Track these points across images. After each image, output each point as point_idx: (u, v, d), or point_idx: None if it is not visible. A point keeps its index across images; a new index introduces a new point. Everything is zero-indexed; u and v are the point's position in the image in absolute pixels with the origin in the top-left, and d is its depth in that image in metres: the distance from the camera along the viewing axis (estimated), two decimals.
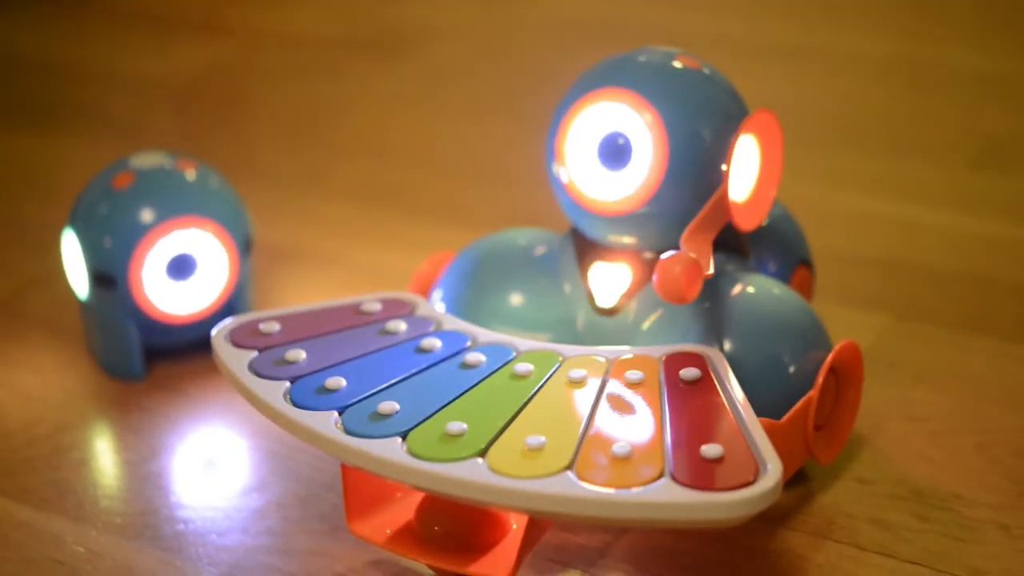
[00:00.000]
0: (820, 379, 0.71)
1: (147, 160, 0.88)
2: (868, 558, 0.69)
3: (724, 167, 0.71)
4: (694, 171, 0.72)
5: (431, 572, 0.69)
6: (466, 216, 1.09)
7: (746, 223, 0.73)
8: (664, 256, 0.67)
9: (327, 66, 1.44)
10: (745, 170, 0.74)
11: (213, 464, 0.80)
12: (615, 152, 0.73)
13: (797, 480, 0.74)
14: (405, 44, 1.50)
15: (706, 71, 0.74)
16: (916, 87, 1.32)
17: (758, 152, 0.74)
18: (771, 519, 0.72)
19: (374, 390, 0.68)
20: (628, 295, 0.75)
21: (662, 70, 0.74)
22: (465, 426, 0.64)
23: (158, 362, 0.88)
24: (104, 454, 0.82)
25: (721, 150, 0.72)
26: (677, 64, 0.74)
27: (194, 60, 1.46)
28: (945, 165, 1.14)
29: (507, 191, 1.13)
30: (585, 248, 0.76)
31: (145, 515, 0.75)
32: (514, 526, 0.66)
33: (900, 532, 0.71)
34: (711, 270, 0.69)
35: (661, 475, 0.60)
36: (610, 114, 0.73)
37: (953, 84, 1.32)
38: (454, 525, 0.66)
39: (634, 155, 0.72)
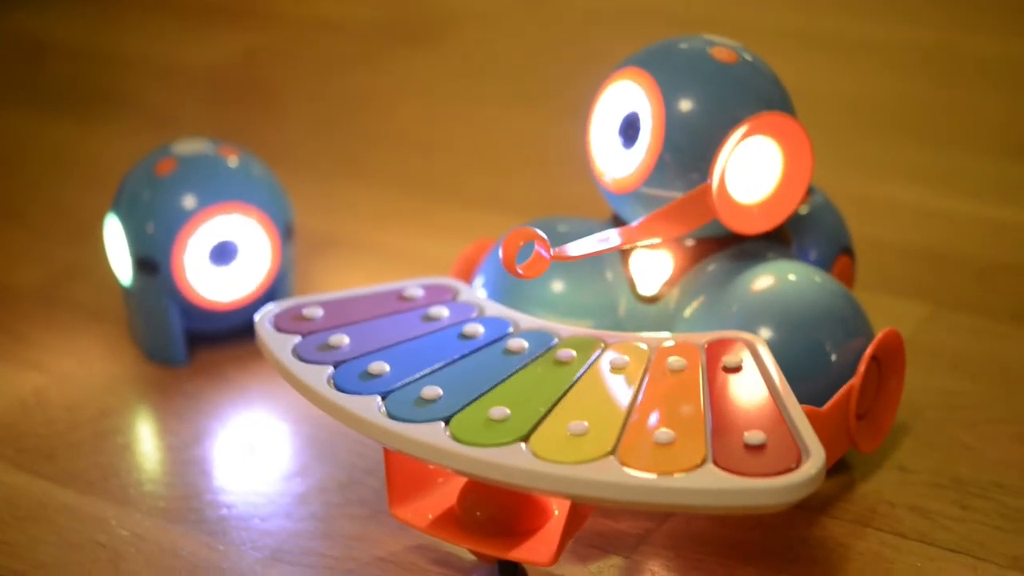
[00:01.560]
0: (862, 367, 0.71)
1: (189, 146, 0.88)
2: (909, 546, 0.69)
3: (714, 161, 0.71)
4: (686, 158, 0.72)
5: (473, 557, 0.69)
6: (505, 203, 1.09)
7: (746, 227, 0.73)
8: (512, 229, 0.68)
9: (363, 54, 1.44)
10: (758, 172, 0.73)
11: (255, 449, 0.80)
12: (630, 131, 0.74)
13: (838, 468, 0.74)
14: (442, 32, 1.50)
15: (738, 64, 0.74)
16: (959, 77, 1.31)
17: (780, 157, 0.73)
18: (812, 507, 0.72)
19: (417, 375, 0.68)
20: (669, 282, 0.75)
21: (684, 56, 0.74)
22: (508, 411, 0.64)
23: (200, 347, 0.89)
24: (147, 439, 0.83)
25: (720, 138, 0.72)
26: (707, 52, 0.74)
27: (231, 48, 1.47)
28: (987, 155, 1.14)
29: (545, 179, 1.13)
30: None
31: (188, 499, 0.75)
32: (556, 512, 0.67)
33: (941, 520, 0.71)
34: (580, 253, 0.70)
35: (704, 461, 0.60)
36: (627, 93, 0.74)
37: (994, 74, 1.31)
38: (496, 510, 0.66)
39: (641, 134, 0.73)
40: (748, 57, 0.75)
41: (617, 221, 0.77)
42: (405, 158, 1.19)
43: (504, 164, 1.17)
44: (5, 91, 1.39)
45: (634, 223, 0.73)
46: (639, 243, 0.73)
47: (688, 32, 0.77)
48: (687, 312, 0.73)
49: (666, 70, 0.73)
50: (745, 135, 0.71)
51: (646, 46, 0.76)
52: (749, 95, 0.73)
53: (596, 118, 0.75)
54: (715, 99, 0.73)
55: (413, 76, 1.38)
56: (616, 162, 0.74)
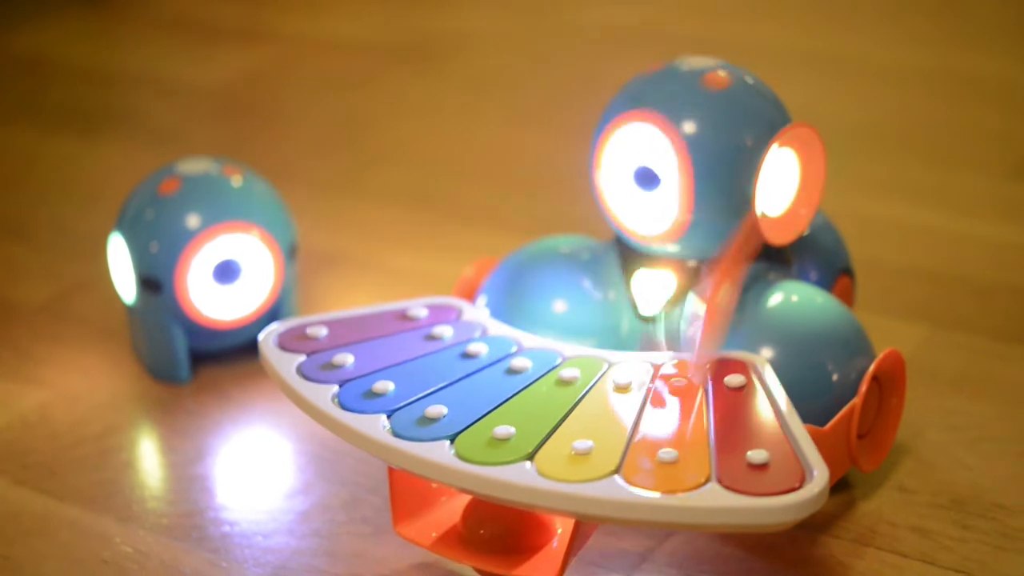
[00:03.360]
0: (864, 387, 0.71)
1: (193, 166, 0.88)
2: (910, 566, 0.70)
3: (752, 191, 0.72)
4: (723, 197, 0.73)
5: (476, 575, 0.69)
6: (507, 223, 1.09)
7: (779, 237, 0.73)
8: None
9: (366, 74, 1.44)
10: (782, 183, 0.74)
11: (258, 467, 0.80)
12: (647, 177, 0.74)
13: (839, 488, 0.75)
14: (443, 52, 1.51)
15: (744, 82, 0.74)
16: (957, 97, 1.32)
17: (797, 165, 0.74)
18: (813, 526, 0.72)
19: (422, 394, 0.68)
20: (671, 302, 0.75)
21: (688, 91, 0.74)
22: (513, 430, 0.65)
23: (203, 366, 0.89)
24: (150, 456, 0.83)
25: (752, 169, 0.72)
26: (705, 83, 0.74)
27: (234, 68, 1.47)
28: (986, 175, 1.14)
29: (547, 198, 1.13)
30: (628, 255, 0.77)
31: (192, 516, 0.75)
32: (559, 530, 0.67)
33: (941, 540, 0.71)
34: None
35: (707, 480, 0.61)
36: (639, 140, 0.74)
37: (994, 94, 1.32)
38: (500, 528, 0.66)
39: (663, 181, 0.73)
40: (748, 78, 0.75)
41: (620, 242, 0.77)
42: (408, 177, 1.20)
43: (506, 183, 1.18)
44: (9, 109, 1.39)
45: (709, 287, 0.72)
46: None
47: (683, 52, 0.77)
48: (690, 332, 0.73)
49: (677, 108, 0.73)
50: (777, 148, 0.72)
51: (631, 85, 0.75)
52: (763, 111, 0.74)
53: (605, 169, 0.75)
54: (735, 126, 0.73)
55: (415, 95, 1.38)
56: (638, 213, 0.74)
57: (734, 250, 0.71)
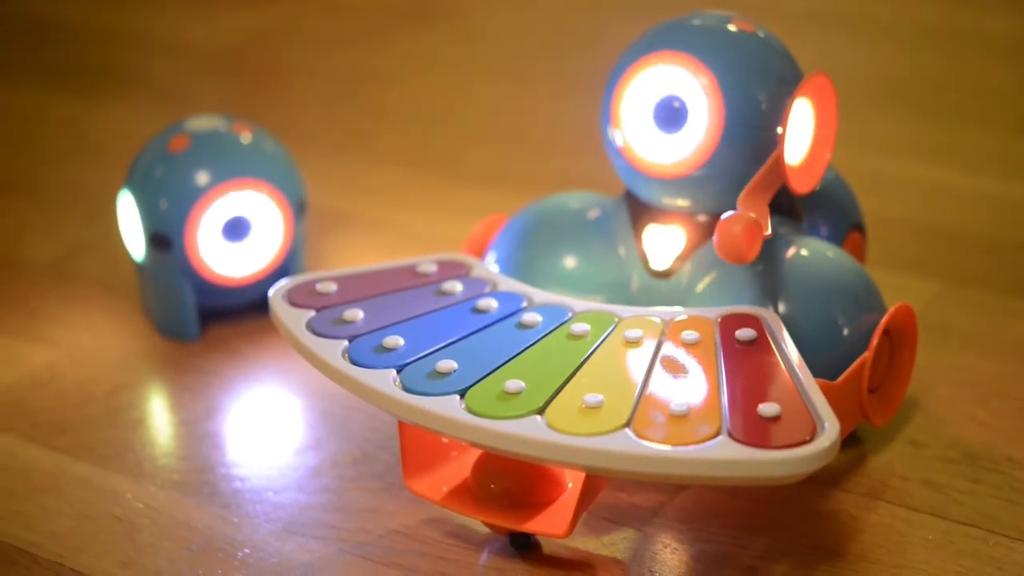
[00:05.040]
0: (875, 341, 0.71)
1: (203, 123, 0.88)
2: (920, 519, 0.70)
3: (780, 130, 0.72)
4: (750, 134, 0.72)
5: (486, 530, 0.69)
6: (515, 181, 1.09)
7: (801, 186, 0.73)
8: (724, 216, 0.67)
9: (372, 33, 1.44)
10: (800, 133, 0.74)
11: (268, 423, 0.80)
12: (671, 115, 0.73)
13: (850, 442, 0.75)
14: (449, 9, 1.50)
15: (761, 34, 0.74)
16: (965, 54, 1.31)
17: (813, 115, 0.74)
18: (824, 480, 0.72)
19: (432, 349, 0.68)
20: (682, 257, 0.75)
21: (718, 33, 0.74)
22: (523, 384, 0.65)
23: (213, 323, 0.89)
24: (161, 413, 0.83)
25: (776, 113, 0.72)
26: (732, 27, 0.74)
27: (239, 27, 1.47)
28: (997, 132, 1.14)
29: (555, 156, 1.13)
30: (639, 211, 0.77)
31: (202, 472, 0.75)
32: (570, 484, 0.67)
33: (952, 494, 0.71)
34: (769, 230, 0.69)
35: (718, 433, 0.61)
36: (666, 77, 0.73)
37: (1002, 51, 1.32)
38: (510, 483, 0.66)
39: (690, 118, 0.73)
40: (760, 30, 0.75)
41: (630, 197, 0.77)
42: (414, 134, 1.20)
43: (514, 141, 1.18)
44: (15, 69, 1.39)
45: (740, 203, 0.70)
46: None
47: (689, 10, 0.77)
48: (700, 287, 0.73)
49: (709, 48, 0.73)
50: (799, 98, 0.72)
51: (662, 27, 0.75)
52: (783, 59, 0.74)
53: (625, 103, 0.75)
54: (764, 70, 0.73)
55: (421, 53, 1.38)
56: (657, 147, 0.74)
57: (760, 176, 0.71)
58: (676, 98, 0.73)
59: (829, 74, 0.74)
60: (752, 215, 0.67)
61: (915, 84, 1.26)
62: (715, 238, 0.67)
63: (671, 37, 0.74)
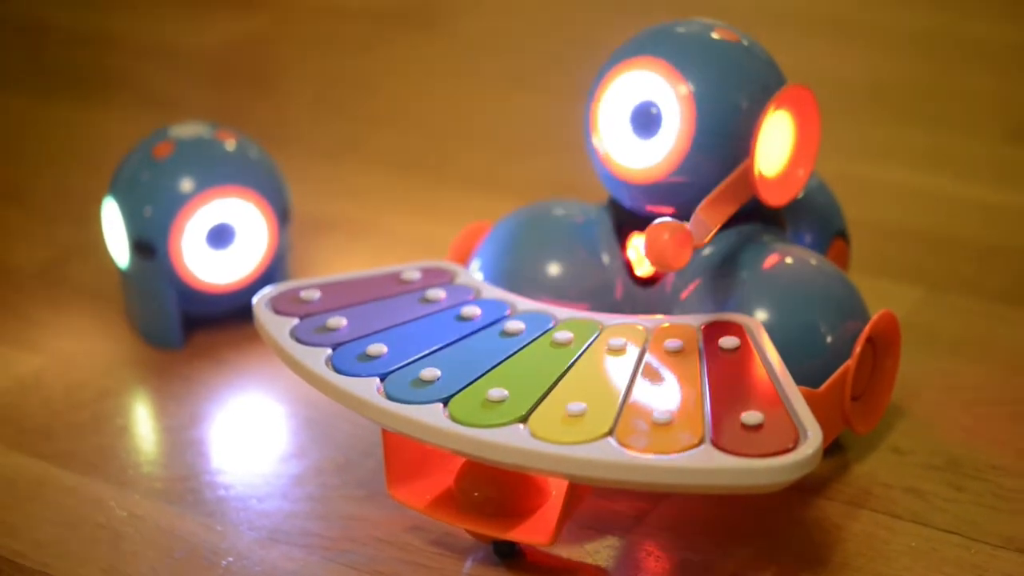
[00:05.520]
0: (857, 349, 0.71)
1: (187, 130, 0.88)
2: (903, 527, 0.70)
3: (752, 140, 0.72)
4: (722, 142, 0.72)
5: (470, 538, 0.69)
6: (502, 187, 1.09)
7: (774, 198, 0.73)
8: (655, 222, 0.67)
9: (362, 38, 1.44)
10: (777, 145, 0.74)
11: (252, 431, 0.80)
12: (647, 121, 0.73)
13: (833, 450, 0.75)
14: (440, 15, 1.50)
15: (743, 43, 0.74)
16: (954, 60, 1.31)
17: (792, 128, 0.74)
18: (807, 488, 0.72)
19: (415, 357, 0.68)
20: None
21: (695, 41, 0.74)
22: (506, 392, 0.65)
23: (197, 330, 0.89)
24: (145, 421, 0.83)
25: (751, 123, 0.72)
26: (712, 36, 0.74)
27: (230, 31, 1.47)
28: (982, 138, 1.14)
29: (543, 162, 1.13)
30: (623, 218, 0.77)
31: (186, 480, 0.75)
32: (553, 492, 0.67)
33: (935, 501, 0.71)
34: (707, 240, 0.69)
35: (701, 441, 0.61)
36: (643, 83, 0.73)
37: (991, 57, 1.32)
38: (494, 491, 0.66)
39: (664, 124, 0.73)
40: (744, 39, 0.75)
41: (614, 205, 0.77)
42: (403, 140, 1.19)
43: (502, 147, 1.18)
44: (5, 74, 1.39)
45: (698, 211, 0.71)
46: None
47: (683, 16, 0.77)
48: (683, 295, 0.73)
49: (684, 56, 0.73)
50: (774, 110, 0.72)
51: (643, 34, 0.75)
52: (764, 70, 0.74)
53: (603, 109, 0.75)
54: (740, 79, 0.73)
55: (412, 59, 1.38)
56: (632, 153, 0.74)
57: (723, 187, 0.71)
58: (653, 104, 0.73)
59: (819, 80, 0.74)
60: (682, 223, 0.67)
61: (904, 90, 1.26)
62: (644, 243, 0.67)
63: (650, 44, 0.74)
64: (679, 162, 0.72)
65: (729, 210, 0.71)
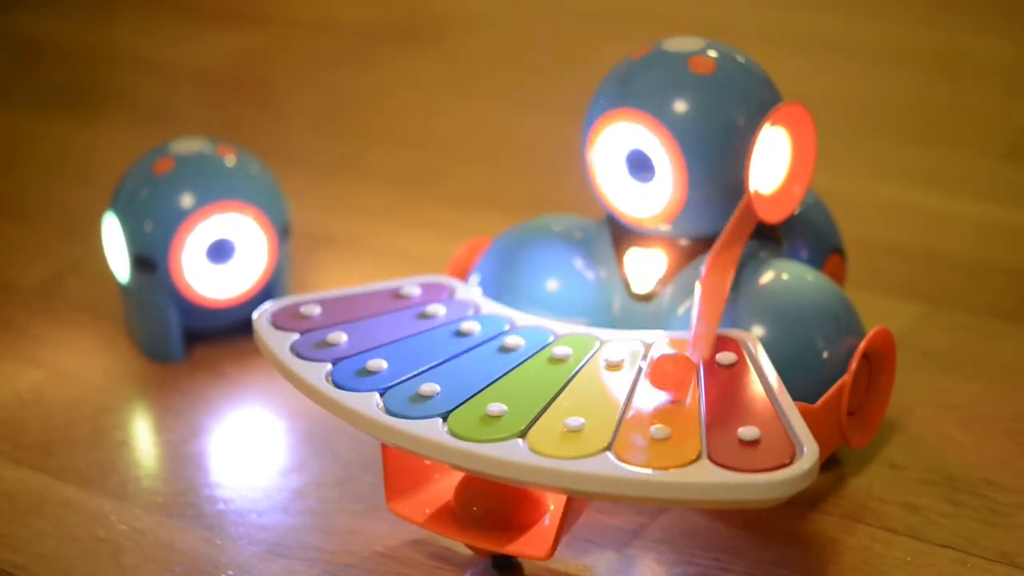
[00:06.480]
0: (853, 364, 0.72)
1: (187, 146, 0.89)
2: (899, 541, 0.70)
3: (745, 174, 0.72)
4: (716, 182, 0.73)
5: (469, 552, 0.70)
6: (501, 203, 1.10)
7: (771, 215, 0.74)
8: (658, 355, 0.67)
9: (361, 54, 1.44)
10: (774, 162, 0.74)
11: (252, 445, 0.81)
12: (642, 164, 0.74)
13: (830, 464, 0.75)
14: (439, 32, 1.51)
15: (732, 63, 0.74)
16: (949, 78, 1.32)
17: (789, 145, 0.74)
18: (804, 503, 0.72)
19: (415, 372, 0.69)
20: (663, 281, 0.75)
21: (671, 85, 0.74)
22: (505, 407, 0.65)
23: (197, 345, 0.89)
24: (145, 435, 0.83)
25: (743, 150, 0.73)
26: (689, 71, 0.74)
27: (228, 47, 1.47)
28: (978, 156, 1.15)
29: (541, 178, 1.13)
30: (620, 234, 0.77)
31: (186, 494, 0.76)
32: (552, 507, 0.67)
33: (931, 516, 0.72)
34: (708, 354, 0.69)
35: (699, 456, 0.61)
36: (629, 133, 0.74)
37: (986, 75, 1.32)
38: (492, 505, 0.67)
39: (657, 171, 0.74)
40: (739, 57, 0.75)
41: (611, 221, 0.78)
42: (401, 156, 1.20)
43: (500, 163, 1.18)
44: (4, 90, 1.39)
45: (705, 269, 0.71)
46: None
47: (679, 32, 0.77)
48: (681, 310, 0.74)
49: (663, 107, 0.73)
50: (768, 128, 0.72)
51: (618, 79, 0.75)
52: (752, 92, 0.74)
53: (597, 155, 0.75)
54: (717, 117, 0.73)
55: (409, 74, 1.38)
56: (632, 198, 0.75)
57: (729, 231, 0.72)
58: (642, 153, 0.74)
59: (815, 97, 0.75)
60: (683, 355, 0.67)
61: (899, 107, 1.26)
62: (648, 374, 0.67)
63: (627, 94, 0.74)
64: (679, 209, 0.74)
65: (739, 249, 0.72)
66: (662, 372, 0.66)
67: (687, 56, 0.74)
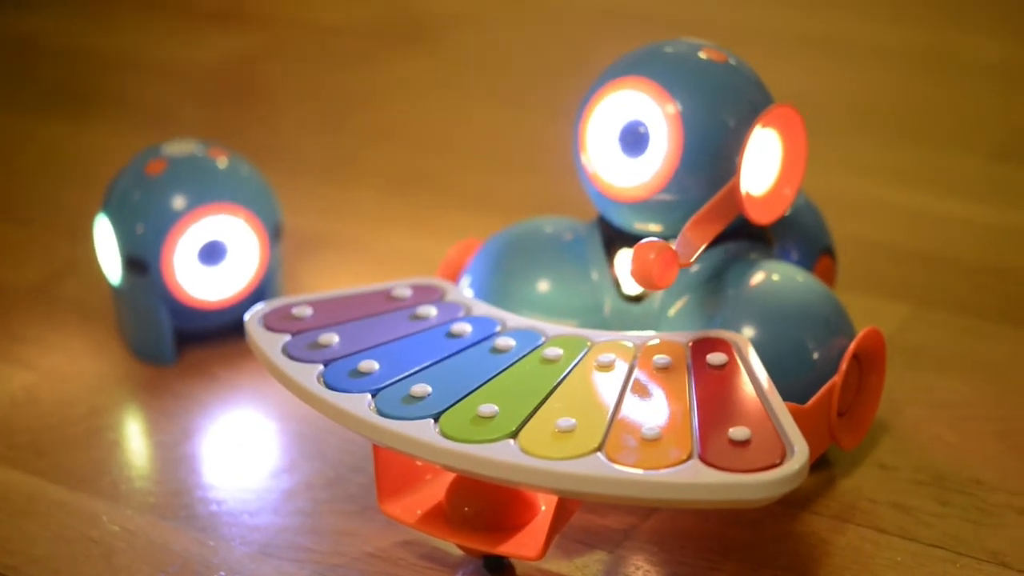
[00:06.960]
0: (843, 365, 0.72)
1: (179, 147, 0.89)
2: (889, 541, 0.70)
3: (738, 159, 0.72)
4: (709, 161, 0.73)
5: (460, 552, 0.70)
6: (493, 203, 1.10)
7: (760, 216, 0.74)
8: (641, 242, 0.67)
9: (355, 55, 1.45)
10: (764, 164, 0.74)
11: (244, 446, 0.81)
12: (635, 140, 0.74)
13: (820, 465, 0.75)
14: (433, 33, 1.51)
15: (731, 63, 0.75)
16: (940, 77, 1.32)
17: (780, 147, 0.75)
18: (794, 503, 0.73)
19: (406, 373, 0.69)
20: None
21: (683, 61, 0.75)
22: (496, 408, 0.65)
23: (189, 346, 0.90)
24: (137, 436, 0.83)
25: (738, 142, 0.73)
26: (700, 56, 0.75)
27: (223, 48, 1.47)
28: (968, 155, 1.15)
29: (534, 179, 1.14)
30: (611, 235, 0.77)
31: (179, 495, 0.76)
32: (543, 507, 0.67)
33: (921, 516, 0.72)
34: (693, 259, 0.70)
35: (689, 457, 0.61)
36: (631, 102, 0.74)
37: (977, 74, 1.33)
38: (484, 506, 0.67)
39: (652, 143, 0.74)
40: (732, 59, 0.76)
41: (603, 223, 0.78)
42: (395, 157, 1.20)
43: (494, 164, 1.18)
44: None
45: (685, 230, 0.72)
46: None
47: (673, 36, 0.78)
48: (671, 312, 0.74)
49: (672, 76, 0.74)
50: (761, 128, 0.72)
51: (632, 54, 0.76)
52: (751, 89, 0.75)
53: (592, 128, 0.76)
54: (727, 99, 0.74)
55: (405, 77, 1.39)
56: (620, 171, 0.75)
57: (709, 206, 0.72)
58: (640, 123, 0.74)
59: (805, 98, 0.75)
60: (668, 243, 0.67)
61: (890, 107, 1.27)
62: (630, 263, 0.67)
63: (638, 64, 0.75)
64: (667, 181, 0.73)
65: (716, 228, 0.72)
66: (643, 259, 0.66)
67: (697, 47, 0.75)
